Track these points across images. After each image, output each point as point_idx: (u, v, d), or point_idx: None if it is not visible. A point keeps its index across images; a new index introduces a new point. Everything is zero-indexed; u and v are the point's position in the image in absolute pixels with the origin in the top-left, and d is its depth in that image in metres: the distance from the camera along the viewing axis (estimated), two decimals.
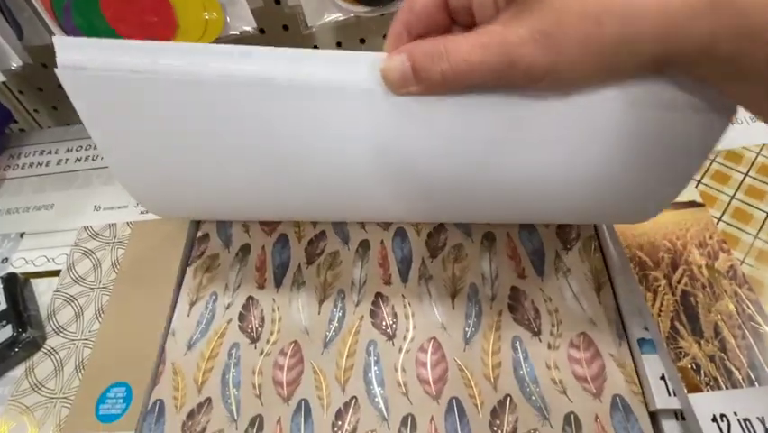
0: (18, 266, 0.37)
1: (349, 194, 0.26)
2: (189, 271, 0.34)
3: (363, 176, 0.24)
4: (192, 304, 0.33)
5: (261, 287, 0.33)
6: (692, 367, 0.24)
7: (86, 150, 0.43)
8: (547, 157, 0.22)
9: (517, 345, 0.28)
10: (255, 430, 0.27)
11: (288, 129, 0.23)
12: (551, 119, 0.21)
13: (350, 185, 0.25)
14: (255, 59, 0.22)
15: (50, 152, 0.44)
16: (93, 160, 0.42)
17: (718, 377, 0.24)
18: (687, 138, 0.21)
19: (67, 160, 0.43)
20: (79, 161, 0.42)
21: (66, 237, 0.38)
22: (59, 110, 0.55)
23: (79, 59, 0.23)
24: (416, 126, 0.22)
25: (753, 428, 0.22)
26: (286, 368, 0.29)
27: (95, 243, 0.37)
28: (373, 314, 0.31)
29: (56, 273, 0.36)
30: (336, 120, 0.23)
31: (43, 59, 0.48)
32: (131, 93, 0.23)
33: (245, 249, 0.35)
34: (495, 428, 0.26)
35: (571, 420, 0.25)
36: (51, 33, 0.36)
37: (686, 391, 0.24)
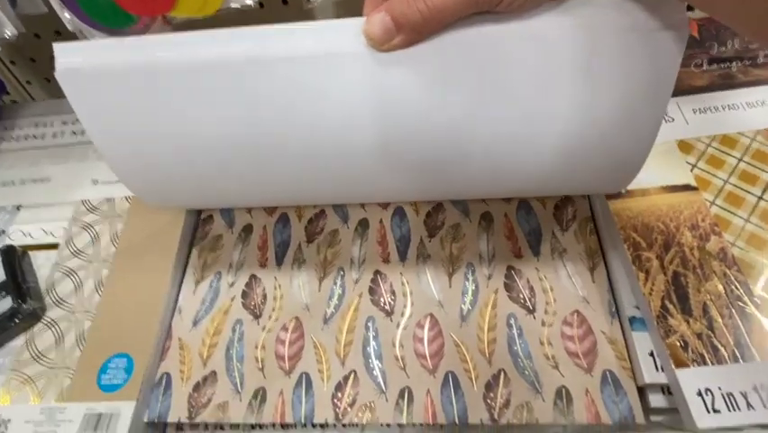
0: (15, 239, 0.37)
1: (348, 169, 0.26)
2: (194, 251, 0.35)
3: (361, 145, 0.25)
4: (197, 283, 0.33)
5: (263, 266, 0.33)
6: (680, 344, 0.25)
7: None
8: (523, 101, 0.23)
9: (512, 321, 0.29)
10: (258, 402, 0.28)
11: (284, 104, 0.24)
12: (522, 58, 0.22)
13: (348, 158, 0.25)
14: (244, 38, 0.23)
15: (44, 125, 0.43)
16: None
17: (705, 354, 0.25)
18: (650, 59, 0.21)
19: (62, 133, 0.42)
20: (75, 134, 0.42)
21: (63, 211, 0.37)
22: (53, 82, 0.54)
23: (77, 61, 0.23)
24: (405, 82, 0.23)
25: (735, 401, 0.23)
26: (287, 343, 0.30)
27: (93, 216, 0.37)
28: (372, 291, 0.31)
29: (54, 246, 0.36)
30: (328, 88, 0.23)
31: (37, 30, 0.47)
32: (129, 88, 0.24)
33: (247, 229, 0.35)
34: (489, 401, 0.27)
35: (562, 394, 0.26)
36: (46, 2, 0.35)
37: (674, 366, 0.25)
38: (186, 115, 0.24)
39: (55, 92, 0.54)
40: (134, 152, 0.26)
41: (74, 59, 0.23)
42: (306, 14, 0.46)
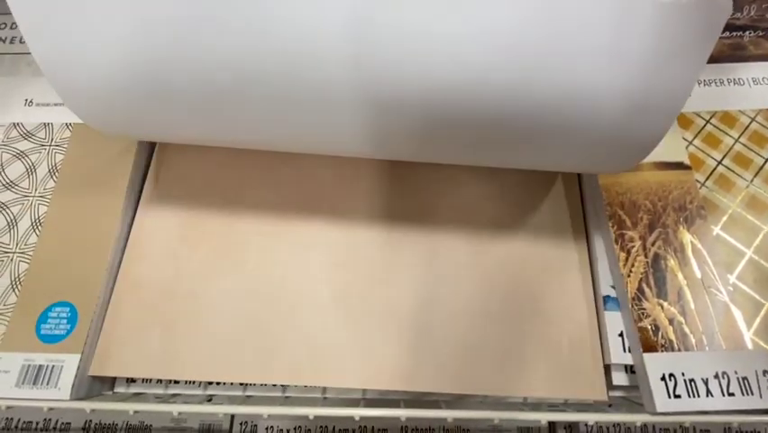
0: None
1: (319, 99, 0.22)
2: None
3: (338, 71, 0.20)
4: None
5: None
6: (651, 328, 0.25)
7: (11, 29, 0.36)
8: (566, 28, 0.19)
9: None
10: None
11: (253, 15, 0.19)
12: None
13: (320, 81, 0.21)
14: None
15: None
16: (21, 42, 0.36)
17: (674, 340, 0.25)
18: (697, 15, 0.18)
19: None
20: (3, 41, 0.36)
21: None
22: None
23: None
24: None
25: (696, 387, 0.24)
26: None
27: (27, 144, 0.32)
28: None
29: None
30: None
31: None
32: None
33: None
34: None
35: None
36: None
37: (642, 350, 0.24)
38: (139, 14, 0.19)
39: None
40: (85, 62, 0.21)
41: None
42: None
